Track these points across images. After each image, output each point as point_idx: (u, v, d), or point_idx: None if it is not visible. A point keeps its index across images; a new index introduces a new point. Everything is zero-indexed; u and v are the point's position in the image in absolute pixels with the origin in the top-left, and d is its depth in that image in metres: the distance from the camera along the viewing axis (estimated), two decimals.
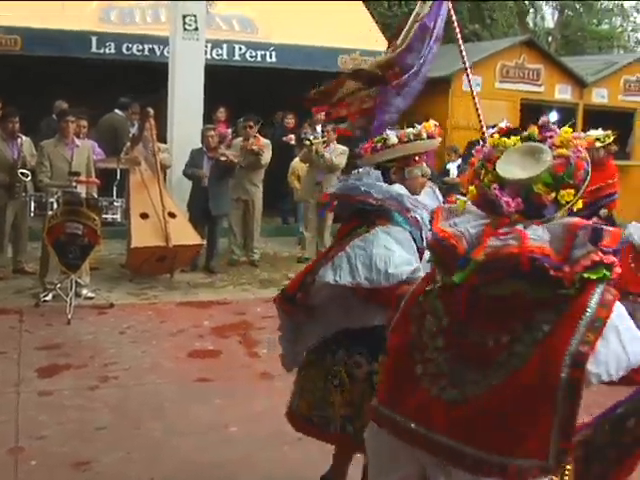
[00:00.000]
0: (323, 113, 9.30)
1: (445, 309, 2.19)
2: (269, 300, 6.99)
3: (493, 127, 2.43)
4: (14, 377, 5.09)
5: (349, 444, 3.26)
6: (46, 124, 9.46)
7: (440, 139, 3.28)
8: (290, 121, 10.96)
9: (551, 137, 2.13)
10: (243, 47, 11.09)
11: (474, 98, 4.10)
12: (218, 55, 10.88)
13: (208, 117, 9.84)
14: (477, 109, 4.08)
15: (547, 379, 1.96)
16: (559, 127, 2.18)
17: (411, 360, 2.23)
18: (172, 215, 7.84)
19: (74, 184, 6.80)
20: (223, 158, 8.30)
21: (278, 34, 11.15)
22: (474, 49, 12.18)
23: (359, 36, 11.35)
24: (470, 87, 4.15)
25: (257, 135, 8.79)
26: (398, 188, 3.07)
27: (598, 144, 6.05)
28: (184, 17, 9.35)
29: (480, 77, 11.60)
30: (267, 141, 8.94)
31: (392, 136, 3.14)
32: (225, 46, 10.97)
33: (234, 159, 8.38)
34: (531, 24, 25.10)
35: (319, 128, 9.91)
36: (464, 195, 2.26)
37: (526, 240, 1.96)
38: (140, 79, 10.62)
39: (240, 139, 8.90)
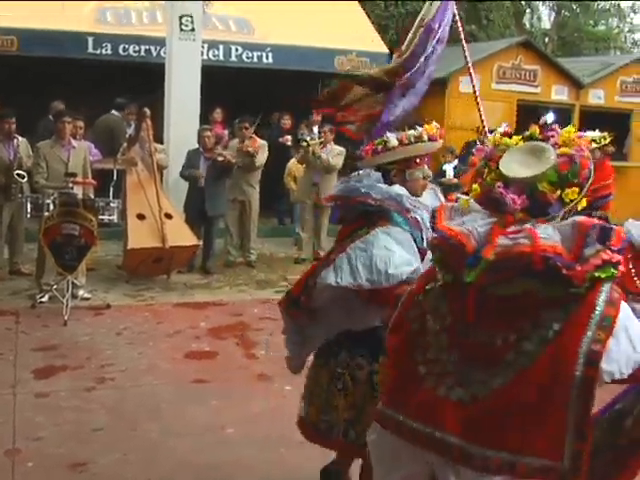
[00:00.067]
0: (319, 114, 9.44)
1: (447, 308, 2.18)
2: (266, 301, 7.12)
3: (491, 132, 2.43)
4: (10, 378, 5.07)
5: (351, 451, 3.28)
6: (43, 125, 9.43)
7: (442, 141, 3.27)
8: (287, 122, 10.93)
9: (553, 136, 2.13)
10: (240, 48, 11.07)
11: (476, 97, 4.10)
12: (215, 56, 10.86)
13: (205, 118, 9.82)
14: (479, 108, 4.07)
15: (559, 378, 1.97)
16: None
17: (412, 360, 2.22)
18: (169, 216, 7.83)
19: (70, 185, 6.79)
20: (221, 158, 8.29)
21: (275, 35, 11.13)
22: (471, 50, 12.14)
23: (356, 37, 11.40)
24: (473, 86, 4.15)
25: (253, 136, 8.77)
26: (398, 189, 3.07)
27: (594, 145, 6.05)
28: (180, 18, 9.33)
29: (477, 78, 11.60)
30: (263, 142, 8.91)
31: (392, 138, 3.12)
32: (222, 47, 10.96)
33: (232, 159, 8.37)
34: (528, 25, 25.16)
35: (316, 129, 9.92)
36: (466, 194, 2.25)
37: (538, 239, 1.96)
38: (137, 80, 10.58)
39: (237, 140, 8.89)
